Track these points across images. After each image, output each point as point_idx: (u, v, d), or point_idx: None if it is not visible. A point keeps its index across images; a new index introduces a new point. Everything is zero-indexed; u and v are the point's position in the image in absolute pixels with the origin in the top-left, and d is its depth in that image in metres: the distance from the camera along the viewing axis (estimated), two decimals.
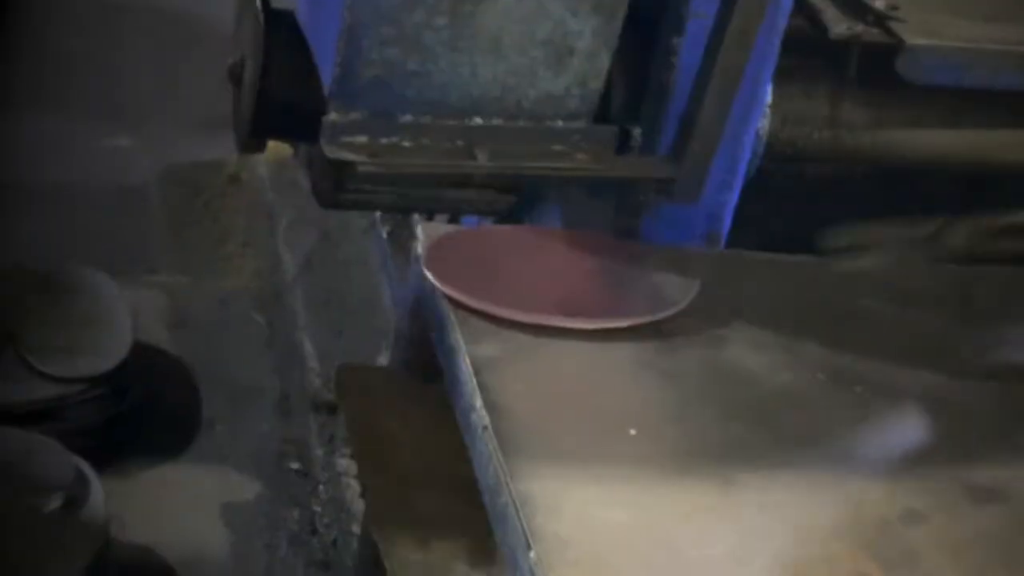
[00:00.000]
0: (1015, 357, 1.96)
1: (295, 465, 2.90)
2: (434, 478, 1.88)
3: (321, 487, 2.84)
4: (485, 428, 1.71)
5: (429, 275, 1.87)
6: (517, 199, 2.16)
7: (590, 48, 2.05)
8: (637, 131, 2.18)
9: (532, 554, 1.57)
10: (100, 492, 2.63)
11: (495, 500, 1.67)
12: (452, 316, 1.84)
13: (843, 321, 1.98)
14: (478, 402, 1.74)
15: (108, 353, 2.88)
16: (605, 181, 2.15)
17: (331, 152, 2.02)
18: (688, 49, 2.13)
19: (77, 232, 3.34)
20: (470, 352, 1.80)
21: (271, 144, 2.60)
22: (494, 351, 1.82)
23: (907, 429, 1.82)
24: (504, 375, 1.79)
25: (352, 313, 2.99)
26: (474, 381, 1.76)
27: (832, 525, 1.68)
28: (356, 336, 2.95)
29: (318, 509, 2.83)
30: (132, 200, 3.49)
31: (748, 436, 1.78)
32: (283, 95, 2.18)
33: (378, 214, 2.97)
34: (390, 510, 1.84)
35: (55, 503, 2.56)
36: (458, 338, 1.82)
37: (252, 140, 2.27)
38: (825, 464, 1.76)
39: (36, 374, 2.81)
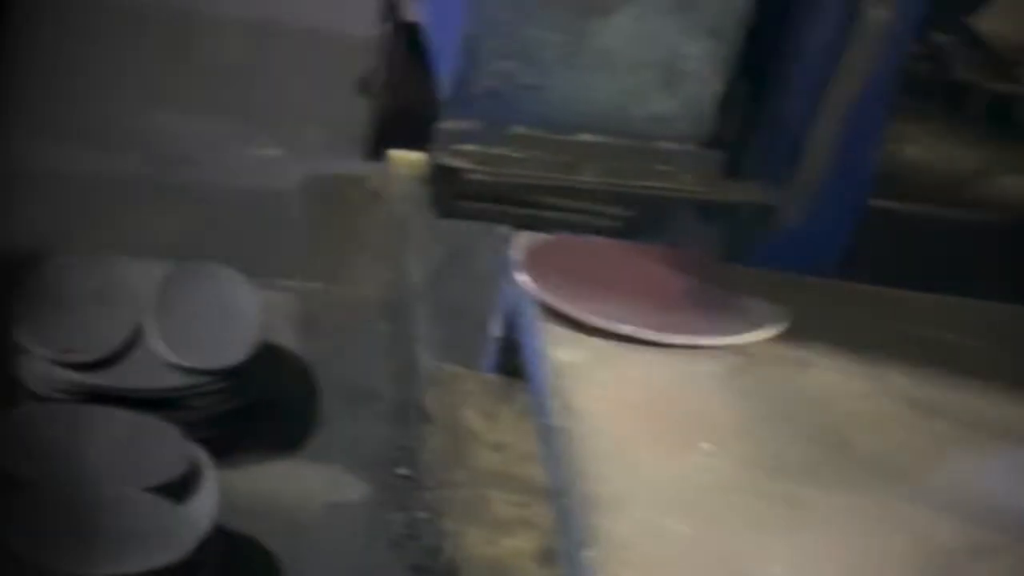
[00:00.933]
0: None
1: (403, 471, 2.95)
2: (511, 477, 1.92)
3: (427, 494, 2.89)
4: (558, 429, 1.75)
5: (521, 279, 1.92)
6: (626, 220, 2.21)
7: (702, 72, 2.08)
8: (749, 158, 2.21)
9: (587, 553, 1.60)
10: (213, 481, 2.71)
11: (560, 499, 1.71)
12: (539, 320, 1.89)
13: (932, 354, 1.98)
14: (554, 403, 1.78)
15: (234, 348, 2.97)
16: (708, 204, 2.18)
17: (441, 159, 2.08)
18: (804, 79, 2.15)
19: (221, 232, 3.46)
20: (552, 355, 1.84)
21: (410, 161, 2.69)
22: (576, 356, 1.86)
23: (984, 465, 1.81)
24: (583, 380, 1.82)
25: (472, 327, 3.04)
26: (552, 383, 1.80)
27: (895, 553, 1.68)
28: (474, 350, 3.00)
29: (421, 515, 2.88)
30: (275, 207, 3.61)
31: (821, 458, 1.79)
32: (405, 105, 2.26)
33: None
34: (465, 506, 1.88)
35: (167, 488, 2.65)
36: (543, 341, 1.86)
37: (375, 147, 2.35)
38: (896, 492, 1.76)
39: (163, 363, 2.91)
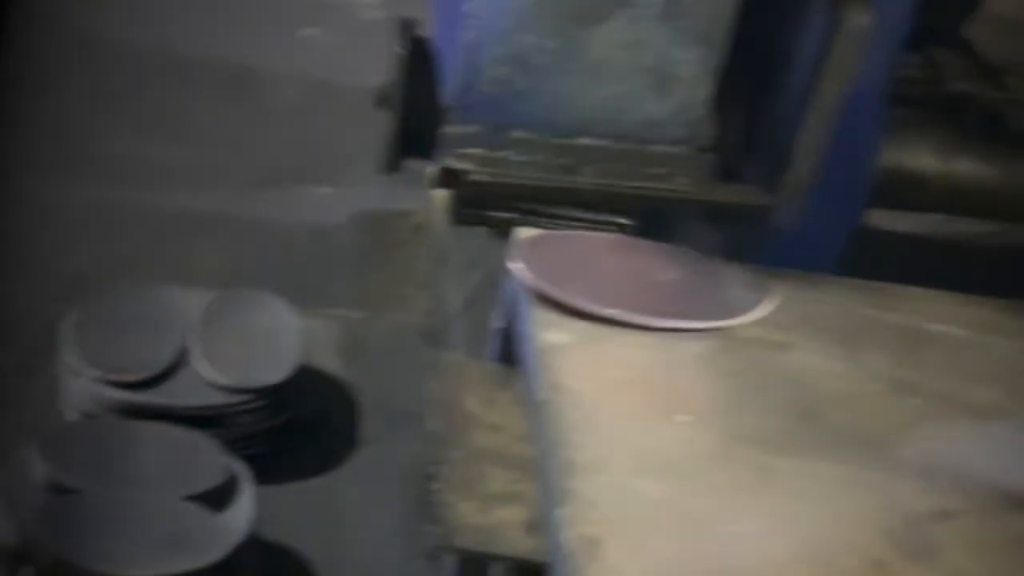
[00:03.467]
0: None
1: (439, 487, 3.05)
2: (505, 456, 2.01)
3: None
4: (542, 402, 1.84)
5: (514, 268, 2.02)
6: (628, 224, 2.31)
7: (692, 76, 2.18)
8: (743, 161, 2.30)
9: (562, 510, 1.68)
10: (250, 491, 2.82)
11: (541, 466, 1.79)
12: (529, 305, 1.98)
13: (911, 340, 2.05)
14: (540, 381, 1.87)
15: (275, 369, 3.09)
16: (703, 206, 2.27)
17: (448, 161, 2.20)
18: (793, 84, 2.25)
19: (270, 265, 3.60)
20: (540, 337, 1.93)
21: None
22: (564, 338, 1.95)
23: (954, 439, 1.87)
24: (569, 359, 1.91)
25: None
26: (540, 362, 1.89)
27: (860, 515, 1.75)
28: None
29: None
30: (324, 241, 3.75)
31: (794, 431, 1.86)
32: (420, 118, 2.38)
33: None
34: (460, 481, 1.97)
35: (205, 497, 2.77)
36: (533, 325, 1.95)
37: (392, 160, 2.47)
38: (865, 461, 1.82)
39: (206, 383, 3.04)
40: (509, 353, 2.13)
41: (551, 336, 1.94)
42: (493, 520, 1.90)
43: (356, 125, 4.02)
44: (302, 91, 4.26)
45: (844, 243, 2.41)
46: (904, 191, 2.46)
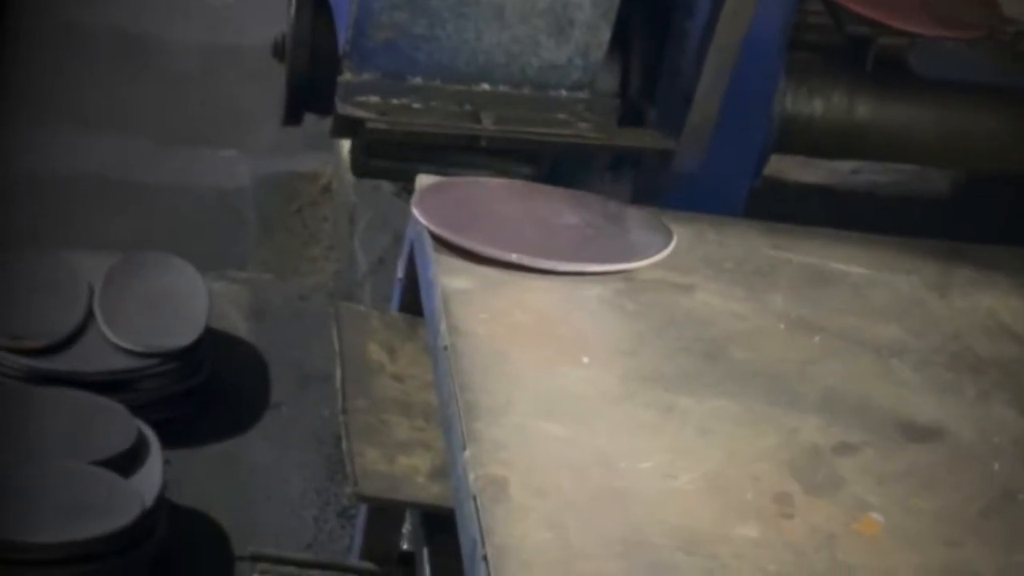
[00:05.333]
0: (980, 322, 2.01)
1: None
2: (410, 405, 2.00)
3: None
4: (445, 348, 1.83)
5: (415, 212, 2.00)
6: (530, 172, 2.30)
7: (590, 20, 2.17)
8: (651, 109, 2.30)
9: (467, 453, 1.67)
10: (159, 458, 2.80)
11: (445, 411, 1.78)
12: (431, 251, 1.97)
13: (814, 280, 2.05)
14: (442, 326, 1.86)
15: (182, 333, 3.07)
16: (605, 151, 2.27)
17: (343, 110, 2.17)
18: (692, 28, 2.25)
19: (177, 228, 3.57)
20: (443, 283, 1.92)
21: None
22: (466, 284, 1.93)
23: (854, 374, 1.89)
24: (472, 305, 1.90)
25: None
26: (442, 307, 1.88)
27: (763, 450, 1.75)
28: None
29: None
30: (230, 204, 3.71)
31: (696, 369, 1.86)
32: (313, 68, 2.35)
33: None
34: (366, 430, 1.96)
35: (112, 462, 2.74)
36: (434, 270, 1.94)
37: (291, 111, 2.44)
38: (767, 398, 1.83)
39: (112, 347, 3.01)
40: (413, 303, 2.12)
41: (453, 282, 1.93)
42: (398, 468, 1.89)
43: (259, 87, 4.00)
44: (201, 55, 4.21)
45: (748, 190, 2.42)
46: (806, 137, 2.46)
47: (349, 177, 3.54)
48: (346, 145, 3.46)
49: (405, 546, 2.35)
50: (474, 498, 1.61)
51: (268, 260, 3.56)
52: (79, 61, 4.09)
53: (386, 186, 3.31)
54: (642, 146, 2.25)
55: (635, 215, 2.12)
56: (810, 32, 2.48)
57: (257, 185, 3.78)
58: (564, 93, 2.21)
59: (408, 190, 3.28)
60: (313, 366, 3.25)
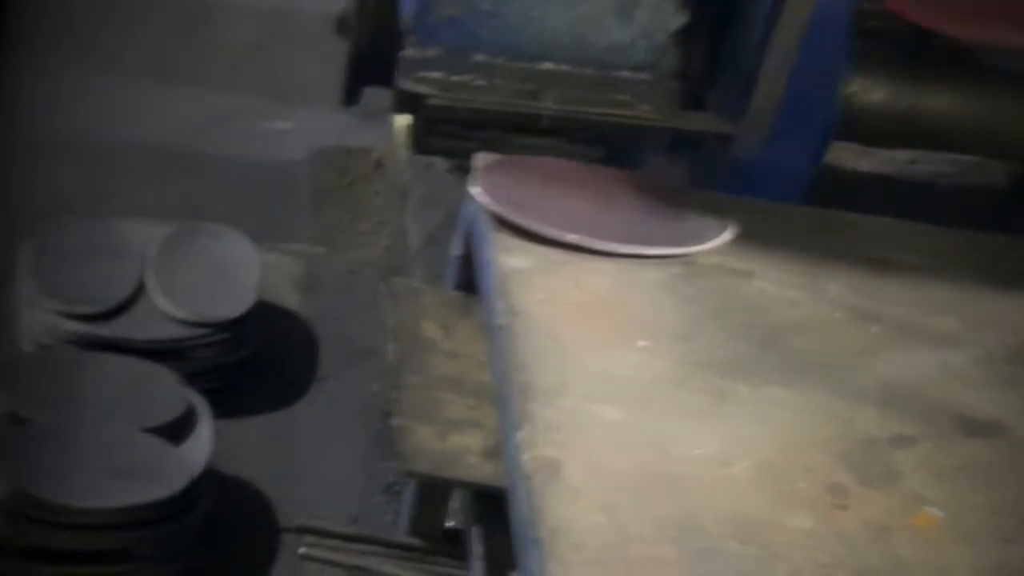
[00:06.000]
0: None
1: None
2: (463, 383, 2.00)
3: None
4: (501, 327, 1.83)
5: (474, 191, 2.00)
6: (589, 151, 2.29)
7: (656, 2, 2.16)
8: (712, 92, 2.28)
9: (520, 434, 1.67)
10: (208, 424, 2.80)
11: (500, 391, 1.78)
12: (489, 229, 1.96)
13: (872, 269, 2.04)
14: (499, 306, 1.85)
15: (233, 302, 3.07)
16: (666, 133, 2.25)
17: (405, 85, 2.17)
18: (758, 13, 2.23)
19: (231, 198, 3.57)
20: (500, 262, 1.92)
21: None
22: (523, 263, 1.93)
23: (913, 365, 1.87)
24: (529, 285, 1.90)
25: None
26: (499, 287, 1.88)
27: (818, 439, 1.75)
28: None
29: None
30: (283, 176, 3.72)
31: (752, 357, 1.85)
32: (376, 43, 2.35)
33: None
34: (418, 407, 1.96)
35: (163, 429, 2.75)
36: (492, 250, 1.94)
37: (351, 88, 2.44)
38: (823, 387, 1.82)
39: (164, 316, 3.01)
40: (467, 280, 2.11)
41: (511, 261, 1.93)
42: (451, 446, 1.89)
43: (315, 59, 4.01)
44: (260, 24, 4.21)
45: (808, 176, 2.40)
46: (870, 124, 2.44)
47: (402, 153, 3.54)
48: (400, 121, 3.47)
49: (451, 523, 2.35)
50: (527, 479, 1.61)
51: (319, 233, 3.56)
52: (139, 25, 4.10)
53: (439, 163, 3.31)
54: (703, 129, 2.23)
55: (693, 198, 2.11)
56: (875, 19, 2.45)
57: (310, 158, 3.78)
58: (627, 74, 2.20)
59: (463, 167, 3.29)
60: (361, 341, 3.25)
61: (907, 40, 2.48)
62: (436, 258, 3.30)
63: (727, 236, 2.03)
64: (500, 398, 1.78)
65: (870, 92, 2.44)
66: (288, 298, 3.36)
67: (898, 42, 2.48)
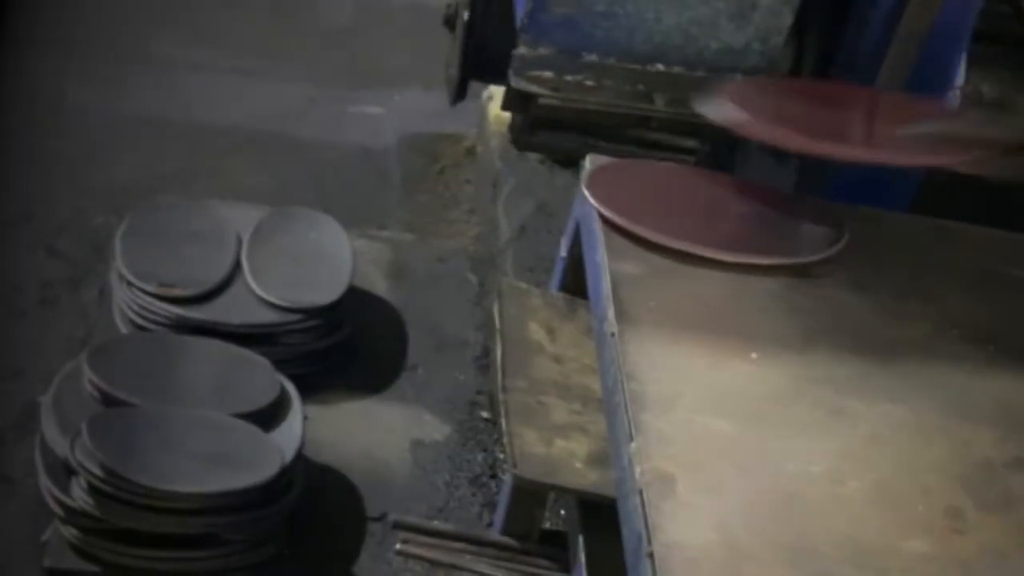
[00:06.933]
0: None
1: (485, 414, 3.03)
2: (569, 387, 1.98)
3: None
4: (612, 335, 1.81)
5: (586, 194, 1.98)
6: (698, 156, 2.27)
7: (772, 4, 2.13)
8: None
9: (633, 445, 1.66)
10: (299, 413, 2.81)
11: (611, 399, 1.76)
12: (601, 234, 1.94)
13: (989, 285, 2.00)
14: (610, 312, 1.84)
15: (326, 290, 3.07)
16: None
17: (517, 84, 2.15)
18: (876, 16, 2.19)
19: (322, 183, 3.58)
20: (612, 268, 1.90)
21: (505, 119, 2.73)
22: (635, 270, 1.91)
23: None
24: (640, 292, 1.88)
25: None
26: (610, 293, 1.86)
27: (935, 461, 1.72)
28: None
29: (501, 456, 2.95)
30: (373, 162, 3.72)
31: (867, 373, 1.83)
32: (487, 38, 2.33)
33: None
34: (524, 411, 1.94)
35: (254, 415, 2.75)
36: (603, 254, 1.92)
37: (460, 83, 2.42)
38: (938, 407, 1.79)
39: (257, 300, 3.02)
40: (574, 283, 2.10)
41: (622, 267, 1.91)
42: (557, 451, 1.88)
43: (407, 46, 4.00)
44: (354, 9, 4.21)
45: (919, 182, 2.36)
46: None
47: (494, 142, 3.53)
48: (494, 109, 3.45)
49: (547, 524, 2.34)
50: (640, 492, 1.59)
51: (409, 220, 3.55)
52: (239, 8, 4.11)
53: (532, 154, 3.29)
54: None
55: (803, 207, 2.08)
56: (992, 21, 2.40)
57: (401, 144, 3.78)
58: (740, 77, 2.17)
59: (556, 160, 3.28)
60: (449, 330, 3.25)
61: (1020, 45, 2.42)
62: (526, 249, 3.30)
63: (839, 246, 2.00)
64: (610, 406, 1.76)
65: (986, 97, 2.40)
66: (377, 284, 3.36)
67: (1016, 45, 2.43)
